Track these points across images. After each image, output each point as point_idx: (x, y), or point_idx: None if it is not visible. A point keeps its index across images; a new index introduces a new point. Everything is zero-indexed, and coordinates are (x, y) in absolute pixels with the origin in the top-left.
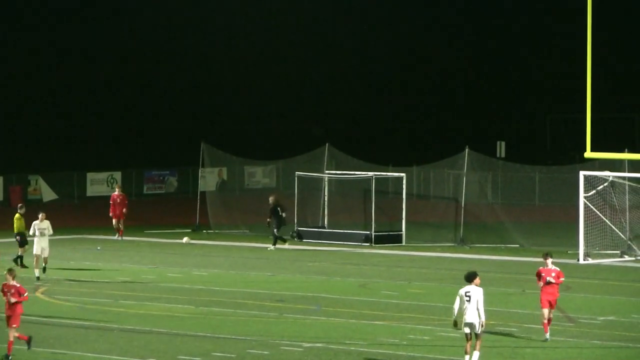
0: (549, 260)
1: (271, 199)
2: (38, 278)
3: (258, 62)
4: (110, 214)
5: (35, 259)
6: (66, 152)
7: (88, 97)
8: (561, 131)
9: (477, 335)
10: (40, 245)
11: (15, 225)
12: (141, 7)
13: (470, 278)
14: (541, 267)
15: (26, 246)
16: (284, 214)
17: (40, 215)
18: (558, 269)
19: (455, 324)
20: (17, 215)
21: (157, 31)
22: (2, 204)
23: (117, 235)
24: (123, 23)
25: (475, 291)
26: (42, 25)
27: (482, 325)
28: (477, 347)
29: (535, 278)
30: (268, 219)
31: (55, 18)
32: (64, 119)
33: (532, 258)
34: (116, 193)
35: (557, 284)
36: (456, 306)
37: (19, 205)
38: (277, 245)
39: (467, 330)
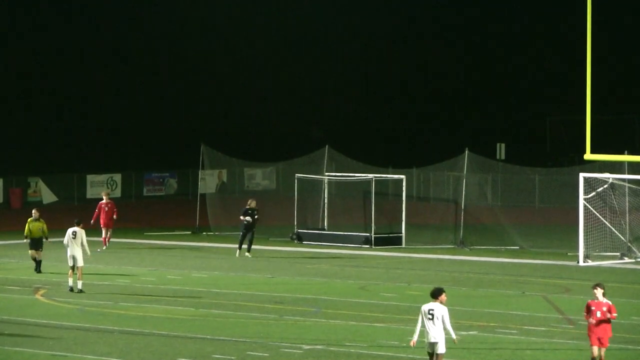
0: (600, 292)
1: (252, 203)
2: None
3: (258, 63)
4: (92, 222)
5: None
6: (66, 154)
7: (88, 99)
8: (561, 133)
9: (437, 355)
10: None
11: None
12: (141, 9)
13: (435, 294)
14: (590, 300)
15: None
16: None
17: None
18: (610, 302)
19: (414, 344)
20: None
21: (157, 33)
22: (2, 206)
23: (101, 248)
24: (123, 25)
25: (439, 309)
26: (42, 25)
27: (454, 342)
28: None
29: (584, 313)
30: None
31: (57, 18)
32: (64, 121)
33: (532, 260)
34: (104, 201)
35: (610, 319)
36: (419, 324)
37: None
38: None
39: (429, 349)
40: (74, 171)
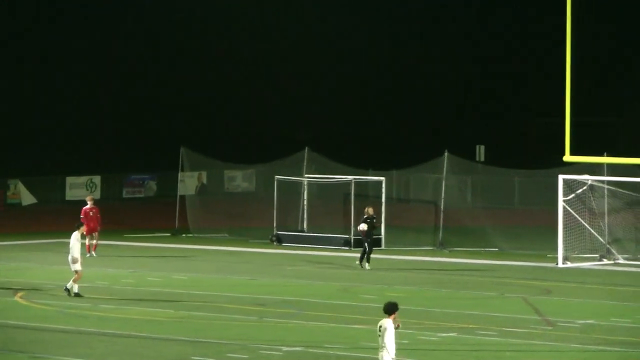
0: None
1: (370, 210)
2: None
3: (237, 66)
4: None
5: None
6: (46, 156)
7: (67, 101)
8: (541, 135)
9: None
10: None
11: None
12: (122, 10)
13: (386, 310)
14: None
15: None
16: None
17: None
18: None
19: None
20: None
21: (136, 35)
22: None
23: (88, 254)
24: (103, 27)
25: (384, 325)
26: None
27: None
28: None
29: None
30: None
31: (35, 20)
32: (43, 122)
33: (512, 262)
34: (88, 206)
35: None
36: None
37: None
38: None
39: None
40: (54, 173)
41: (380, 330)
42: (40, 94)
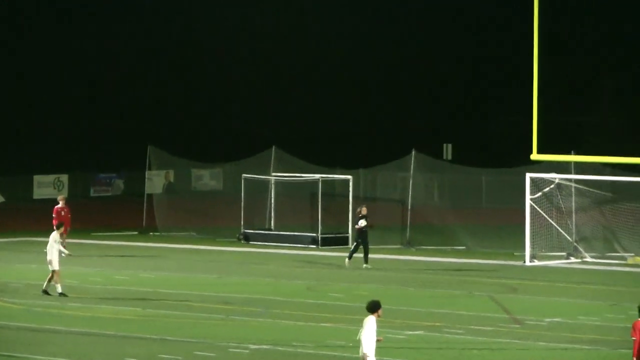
0: None
1: (364, 210)
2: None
3: (203, 63)
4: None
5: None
6: (12, 154)
7: (34, 98)
8: (508, 134)
9: None
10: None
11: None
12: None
13: (369, 308)
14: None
15: None
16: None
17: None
18: None
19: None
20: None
21: (104, 33)
22: None
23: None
24: (71, 25)
25: (365, 322)
26: None
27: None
28: None
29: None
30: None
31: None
32: (9, 121)
33: (479, 260)
34: (60, 205)
35: None
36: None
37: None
38: None
39: None
40: (21, 172)
41: (363, 327)
42: (7, 92)
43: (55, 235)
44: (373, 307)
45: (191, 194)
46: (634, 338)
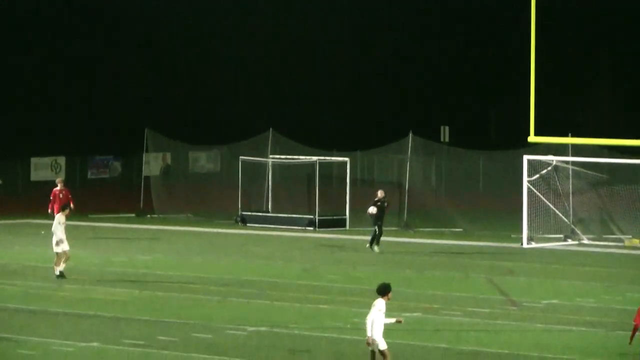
0: None
1: (380, 193)
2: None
3: (201, 46)
4: (49, 211)
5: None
6: (9, 137)
7: (31, 81)
8: (506, 116)
9: (380, 351)
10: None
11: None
12: None
13: (379, 291)
14: None
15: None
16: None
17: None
18: None
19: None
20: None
21: (103, 15)
22: None
23: (46, 230)
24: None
25: (374, 304)
26: None
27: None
28: None
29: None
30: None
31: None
32: (6, 103)
33: (476, 242)
34: (58, 188)
35: None
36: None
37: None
38: None
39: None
40: (17, 154)
41: (372, 307)
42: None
43: (60, 217)
44: (384, 290)
45: (188, 177)
46: (634, 323)
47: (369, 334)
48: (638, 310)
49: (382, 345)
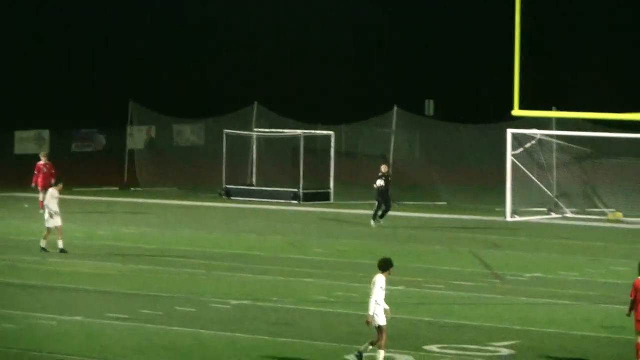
0: None
1: (384, 168)
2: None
3: (185, 18)
4: (33, 184)
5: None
6: None
7: (14, 54)
8: (490, 90)
9: (379, 327)
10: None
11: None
12: None
13: (380, 267)
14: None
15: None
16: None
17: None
18: None
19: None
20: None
21: None
22: None
23: (41, 210)
24: None
25: (375, 280)
26: None
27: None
28: (382, 344)
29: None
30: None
31: None
32: None
33: (460, 216)
34: (42, 162)
35: None
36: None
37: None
38: None
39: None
40: (1, 127)
41: (372, 285)
42: None
43: (53, 191)
44: (385, 266)
45: (173, 150)
46: (632, 298)
47: (370, 312)
48: (634, 284)
49: (382, 320)
